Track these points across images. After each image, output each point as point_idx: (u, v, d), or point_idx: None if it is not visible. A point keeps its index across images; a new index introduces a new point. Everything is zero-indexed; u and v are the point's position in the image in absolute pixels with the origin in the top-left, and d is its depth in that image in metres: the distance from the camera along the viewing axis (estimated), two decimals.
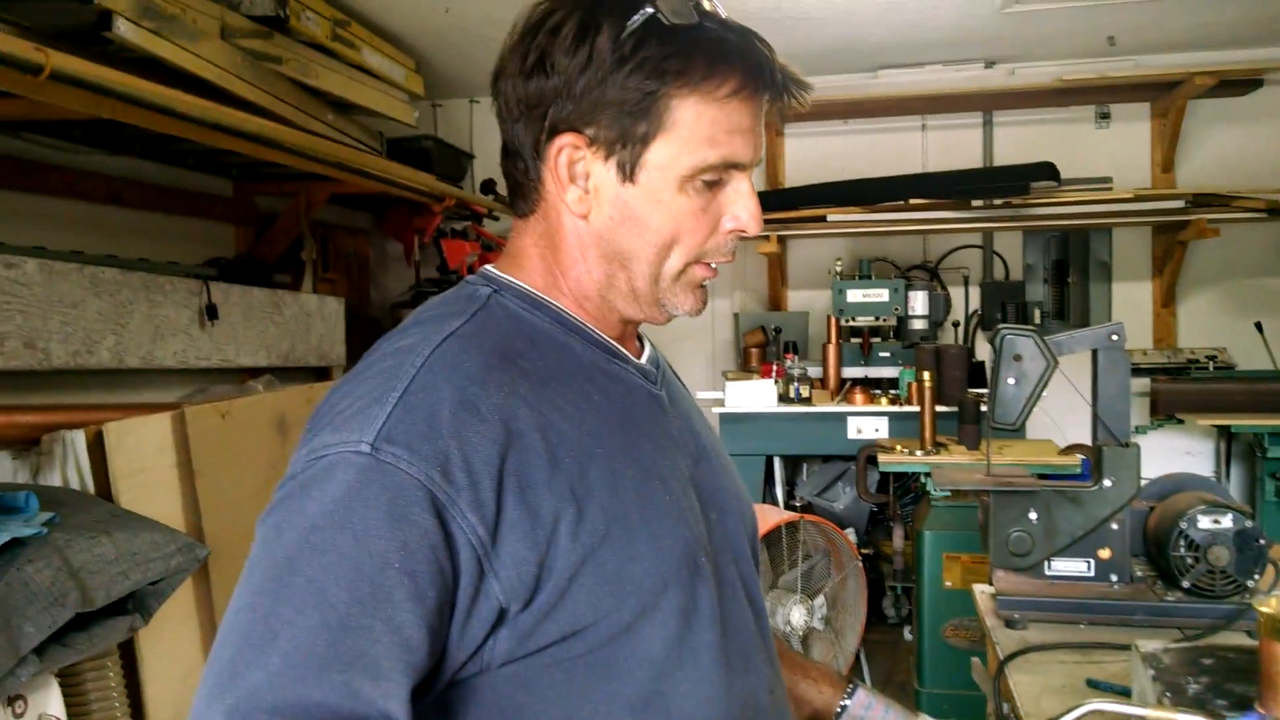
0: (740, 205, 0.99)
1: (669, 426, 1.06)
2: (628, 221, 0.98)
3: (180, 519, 2.54)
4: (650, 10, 0.93)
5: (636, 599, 0.91)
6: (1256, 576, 1.83)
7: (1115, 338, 1.94)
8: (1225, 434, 5.11)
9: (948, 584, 3.78)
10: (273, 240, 4.41)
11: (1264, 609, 0.93)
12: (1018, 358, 1.92)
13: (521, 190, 1.04)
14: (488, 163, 5.71)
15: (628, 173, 0.96)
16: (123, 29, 2.82)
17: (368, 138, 4.41)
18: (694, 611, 0.96)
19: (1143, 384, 5.04)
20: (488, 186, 5.39)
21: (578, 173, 0.98)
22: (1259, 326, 5.24)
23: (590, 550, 0.89)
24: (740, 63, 0.95)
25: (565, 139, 0.97)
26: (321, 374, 4.39)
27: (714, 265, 1.02)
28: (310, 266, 4.55)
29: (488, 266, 1.06)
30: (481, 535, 0.86)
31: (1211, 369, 5.18)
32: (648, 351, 1.12)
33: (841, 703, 1.23)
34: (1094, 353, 1.95)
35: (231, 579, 2.51)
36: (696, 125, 0.95)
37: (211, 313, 3.52)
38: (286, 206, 4.40)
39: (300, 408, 3.06)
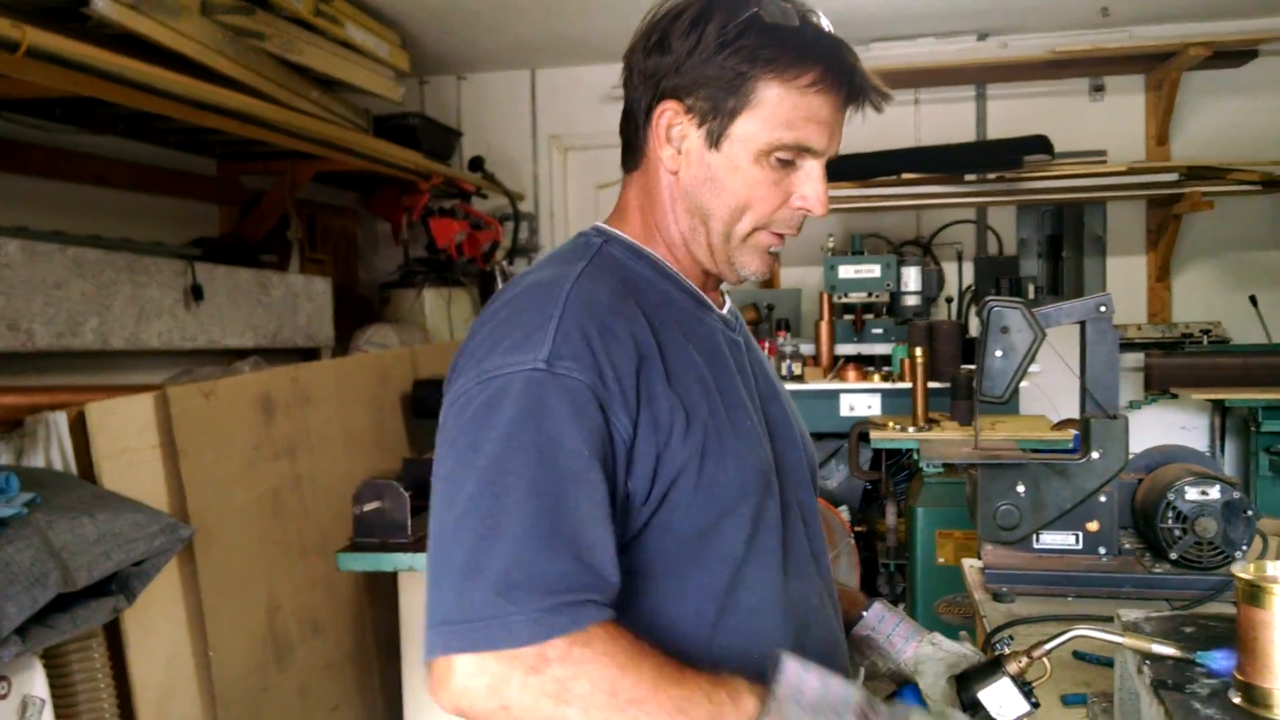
0: (809, 186, 1.15)
1: (746, 368, 1.24)
2: (709, 182, 1.15)
3: (164, 499, 2.52)
4: (755, 9, 1.10)
5: (721, 503, 1.09)
6: (1244, 548, 1.81)
7: (1103, 309, 1.92)
8: (1219, 408, 5.09)
9: (940, 560, 3.78)
10: (258, 220, 4.37)
11: (1242, 574, 0.92)
12: (1005, 330, 1.90)
13: (631, 146, 1.22)
14: (475, 140, 5.67)
15: (714, 140, 1.14)
16: (101, 5, 2.78)
17: (353, 115, 4.37)
18: (762, 519, 1.13)
19: (1137, 359, 5.02)
20: (476, 163, 5.35)
21: (674, 135, 1.16)
22: (1253, 300, 5.22)
23: (691, 456, 1.07)
24: (824, 61, 1.12)
25: (668, 105, 1.15)
26: (309, 355, 4.36)
27: (781, 235, 1.18)
28: (297, 246, 4.52)
29: (597, 223, 1.25)
30: (628, 434, 1.04)
31: (1206, 343, 5.16)
32: (728, 305, 1.30)
33: (861, 613, 1.37)
34: (1082, 324, 1.93)
35: (217, 559, 2.49)
36: (778, 108, 1.11)
37: (197, 293, 3.50)
38: (271, 185, 4.36)
39: (285, 387, 3.04)
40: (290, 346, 4.22)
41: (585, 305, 1.07)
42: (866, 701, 0.96)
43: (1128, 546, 1.94)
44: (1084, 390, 1.93)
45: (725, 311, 1.28)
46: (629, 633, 0.97)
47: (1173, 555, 1.84)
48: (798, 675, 0.96)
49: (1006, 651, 1.03)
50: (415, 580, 3.10)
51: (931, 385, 4.25)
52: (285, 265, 4.47)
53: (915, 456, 4.13)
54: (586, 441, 1.00)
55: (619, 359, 1.05)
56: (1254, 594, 0.89)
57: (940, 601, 3.78)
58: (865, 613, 1.37)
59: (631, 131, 1.22)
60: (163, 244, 3.69)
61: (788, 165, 1.15)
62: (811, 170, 1.16)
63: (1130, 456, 1.91)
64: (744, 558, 1.11)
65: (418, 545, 2.75)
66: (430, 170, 4.75)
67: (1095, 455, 1.88)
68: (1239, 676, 0.91)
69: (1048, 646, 1.01)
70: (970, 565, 2.08)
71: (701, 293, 1.23)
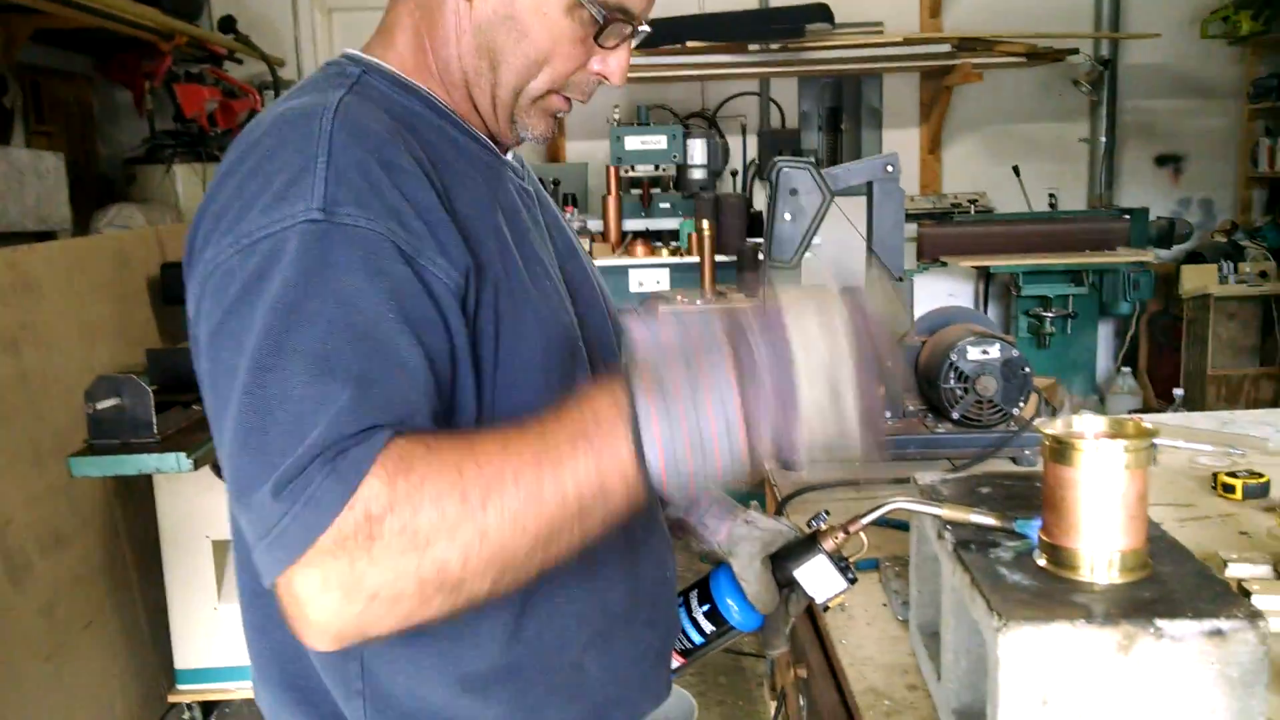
0: (615, 56, 1.01)
1: (540, 221, 1.07)
2: (509, 21, 0.97)
3: None
4: None
5: (526, 373, 0.93)
6: (1021, 404, 1.84)
7: (890, 169, 1.88)
8: (984, 275, 5.35)
9: None
10: None
11: (1048, 431, 0.86)
12: (794, 192, 1.83)
13: None
14: None
15: None
16: None
17: None
18: (571, 391, 0.93)
19: (909, 229, 5.18)
20: (227, 24, 4.84)
21: None
22: (1016, 170, 5.47)
23: (489, 324, 0.90)
24: None
25: None
26: (43, 239, 3.86)
27: (571, 101, 1.03)
28: (20, 116, 3.95)
29: (349, 50, 1.02)
30: (456, 277, 0.86)
31: (973, 213, 5.38)
32: (512, 152, 1.10)
33: None
34: (869, 185, 1.88)
35: None
36: None
37: None
38: None
39: (1, 274, 2.64)
40: (18, 230, 3.72)
41: (355, 136, 0.86)
42: (731, 323, 0.81)
43: (911, 409, 1.94)
44: (870, 252, 1.90)
45: (511, 157, 1.09)
46: (432, 430, 0.80)
47: (955, 415, 1.84)
48: (645, 324, 0.82)
49: (823, 527, 0.95)
50: (172, 482, 2.84)
51: (719, 258, 4.23)
52: (7, 139, 3.92)
53: None
54: (390, 300, 0.81)
55: (414, 192, 0.86)
56: (1061, 452, 0.84)
57: None
58: None
59: None
60: None
61: (597, 26, 0.98)
62: (620, 32, 1.00)
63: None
64: None
65: (167, 444, 2.48)
66: (173, 29, 4.24)
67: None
68: (1044, 538, 0.86)
69: (864, 521, 0.94)
70: None
71: (483, 136, 1.03)
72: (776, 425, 0.79)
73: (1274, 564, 1.24)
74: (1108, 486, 0.83)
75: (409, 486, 0.74)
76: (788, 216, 1.82)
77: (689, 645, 1.04)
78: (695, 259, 4.32)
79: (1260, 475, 1.62)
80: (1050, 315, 5.00)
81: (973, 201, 5.41)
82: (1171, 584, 0.83)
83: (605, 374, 1.05)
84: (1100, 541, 0.83)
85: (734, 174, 5.42)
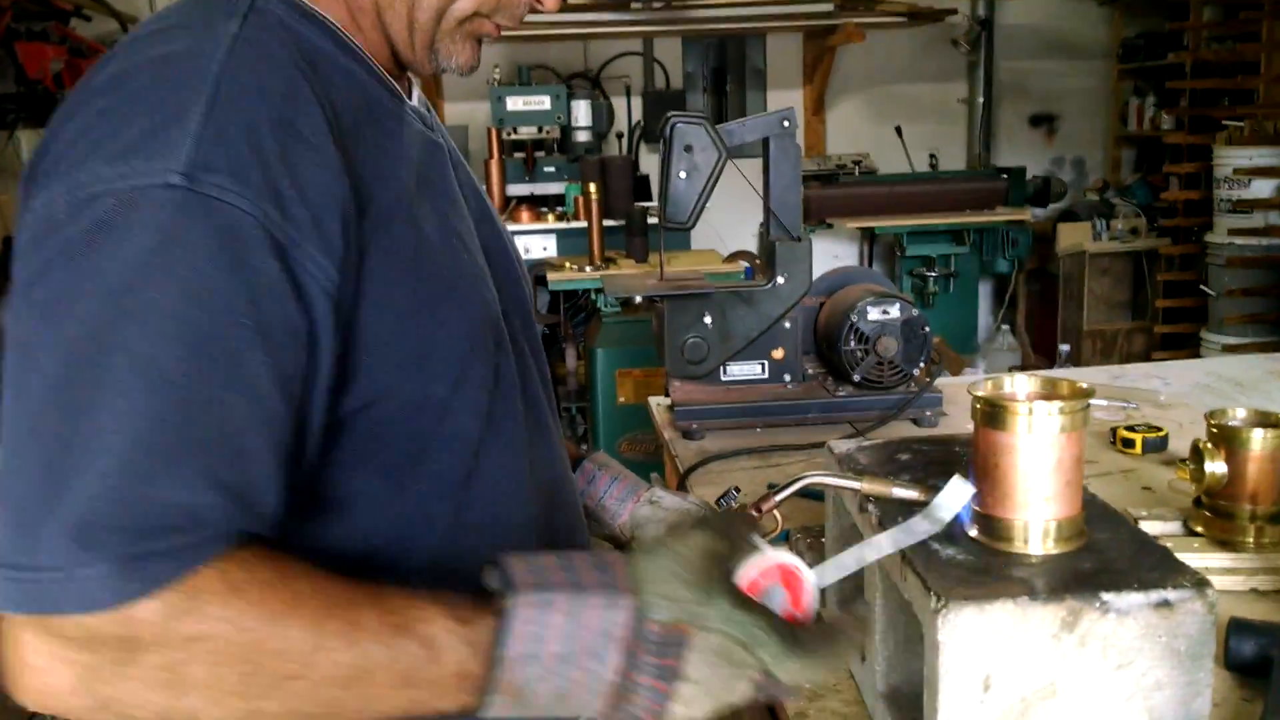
0: None
1: (452, 180, 0.93)
2: None
3: None
4: None
5: (445, 368, 0.81)
6: (921, 364, 1.81)
7: (787, 124, 1.81)
8: (869, 236, 5.39)
9: (621, 400, 3.75)
10: None
11: (979, 394, 0.80)
12: (689, 148, 1.75)
13: None
14: None
15: None
16: None
17: None
18: (499, 385, 0.87)
19: None
20: None
21: None
22: (898, 131, 5.51)
23: (402, 314, 0.78)
24: None
25: None
26: None
27: (500, 28, 0.90)
28: None
29: None
30: (330, 280, 0.72)
31: (857, 174, 5.40)
32: (417, 93, 0.94)
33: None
34: (765, 142, 1.82)
35: None
36: None
37: None
38: None
39: None
40: None
41: (248, 87, 0.71)
42: (635, 620, 0.67)
43: (810, 372, 1.90)
44: (768, 211, 1.83)
45: (415, 101, 0.92)
46: (269, 566, 0.67)
47: (856, 377, 1.80)
48: (534, 618, 0.67)
49: (734, 506, 0.88)
50: None
51: (607, 223, 4.15)
52: None
53: (594, 297, 4.03)
54: (247, 302, 0.67)
55: (308, 169, 0.71)
56: (994, 416, 0.78)
57: (622, 440, 3.77)
58: (574, 474, 1.11)
59: None
60: None
61: None
62: None
63: None
64: (481, 438, 0.84)
65: None
66: None
67: (780, 280, 1.80)
68: (977, 509, 0.80)
69: (778, 498, 0.87)
70: (657, 403, 1.98)
71: (390, 78, 0.87)
72: None
73: (1184, 519, 1.23)
74: (1045, 451, 0.77)
75: (191, 626, 0.63)
76: (682, 175, 1.74)
77: None
78: (583, 224, 4.22)
79: (1158, 429, 1.62)
80: (934, 275, 5.07)
81: (857, 163, 5.43)
82: (1110, 552, 0.78)
83: (526, 352, 0.95)
84: (1037, 510, 0.78)
85: (619, 136, 5.32)
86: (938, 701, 0.73)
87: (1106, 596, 0.71)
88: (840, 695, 0.98)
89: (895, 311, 1.81)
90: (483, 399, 0.84)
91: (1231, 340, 4.63)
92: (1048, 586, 0.73)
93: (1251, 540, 1.15)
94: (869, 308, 1.81)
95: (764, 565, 0.70)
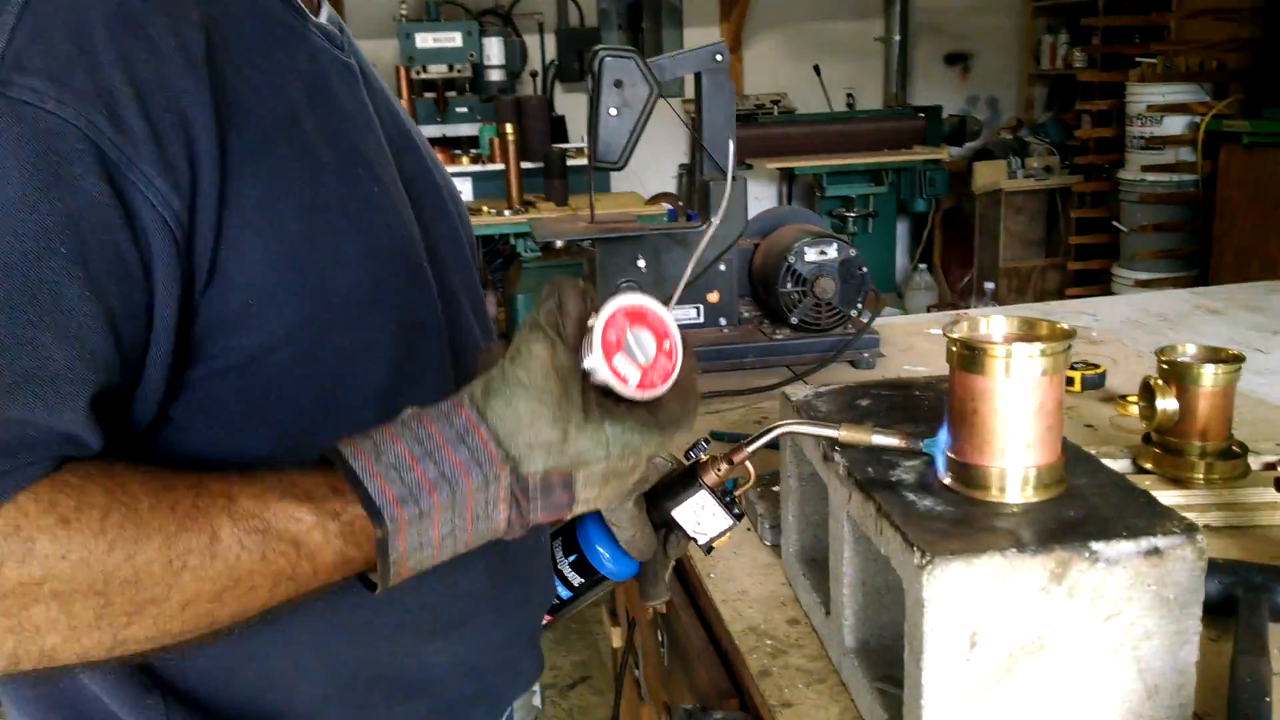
0: None
1: (365, 103, 0.82)
2: None
3: None
4: None
5: (346, 313, 0.72)
6: (859, 305, 1.78)
7: (719, 58, 1.75)
8: (788, 176, 5.36)
9: None
10: None
11: (955, 336, 0.76)
12: (619, 84, 1.67)
13: None
14: None
15: None
16: None
17: None
18: (418, 328, 0.79)
19: None
20: None
21: None
22: (817, 70, 5.47)
23: (291, 252, 0.69)
24: None
25: None
26: None
27: None
28: None
29: None
30: (171, 207, 0.62)
31: (776, 114, 5.35)
32: (326, 10, 0.84)
33: None
34: (697, 77, 1.75)
35: None
36: None
37: None
38: None
39: None
40: None
41: None
42: (513, 480, 0.64)
43: (746, 315, 1.86)
44: (701, 149, 1.77)
45: (324, 18, 0.82)
46: (102, 489, 0.59)
47: (793, 319, 1.77)
48: (414, 532, 0.63)
49: (702, 458, 0.82)
50: None
51: (524, 165, 4.03)
52: None
53: (513, 242, 3.93)
54: (64, 226, 0.58)
55: (153, 77, 0.61)
56: (972, 359, 0.74)
57: None
58: None
59: None
60: None
61: None
62: None
63: None
64: (394, 388, 0.75)
65: None
66: None
67: (716, 221, 1.74)
68: (953, 456, 0.76)
69: (749, 449, 0.81)
70: None
71: None
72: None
73: (1133, 456, 1.22)
74: (1025, 396, 0.73)
75: (26, 573, 0.56)
76: (613, 112, 1.66)
77: (555, 601, 0.90)
78: (499, 166, 4.10)
79: (1095, 366, 1.61)
80: (853, 215, 5.07)
81: (775, 102, 5.38)
82: (1093, 499, 0.75)
83: (459, 294, 0.87)
84: (1017, 457, 0.74)
85: (534, 75, 5.18)
86: (921, 660, 0.69)
87: (1096, 546, 0.68)
88: (803, 650, 0.95)
89: (833, 252, 1.77)
90: (390, 347, 0.76)
91: (1143, 275, 4.74)
92: (1035, 537, 0.69)
93: (1202, 476, 1.15)
94: (806, 249, 1.77)
95: (613, 321, 0.66)
